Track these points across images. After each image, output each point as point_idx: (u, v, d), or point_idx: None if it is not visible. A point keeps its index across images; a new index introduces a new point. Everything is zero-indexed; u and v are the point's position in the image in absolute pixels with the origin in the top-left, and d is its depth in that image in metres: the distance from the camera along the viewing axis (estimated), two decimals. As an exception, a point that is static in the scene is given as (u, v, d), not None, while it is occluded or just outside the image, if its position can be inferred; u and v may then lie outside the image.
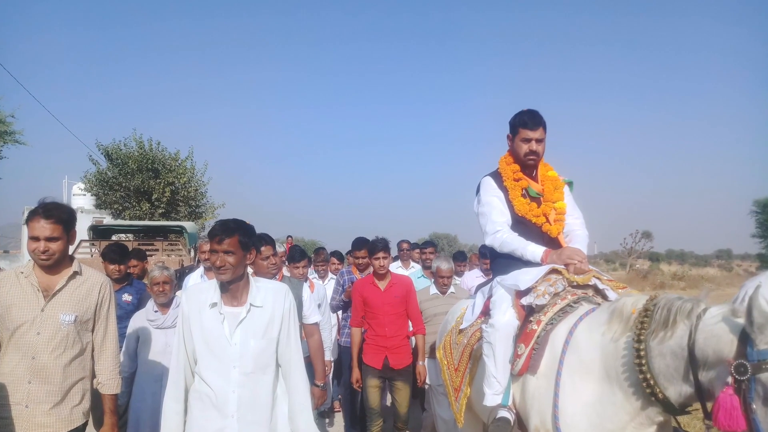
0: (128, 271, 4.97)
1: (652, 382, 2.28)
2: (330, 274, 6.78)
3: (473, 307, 3.53)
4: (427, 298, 5.15)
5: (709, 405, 2.14)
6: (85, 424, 2.92)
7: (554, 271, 2.96)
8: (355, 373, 4.88)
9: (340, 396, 6.26)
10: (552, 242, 3.23)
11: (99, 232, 11.80)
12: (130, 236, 13.71)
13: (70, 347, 2.80)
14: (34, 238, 2.75)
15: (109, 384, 2.97)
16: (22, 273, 2.82)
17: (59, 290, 2.81)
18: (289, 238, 15.95)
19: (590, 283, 2.96)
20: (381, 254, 4.77)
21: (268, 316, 2.72)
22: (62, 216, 2.77)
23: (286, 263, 5.11)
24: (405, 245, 7.31)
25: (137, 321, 4.20)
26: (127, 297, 4.71)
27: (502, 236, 3.20)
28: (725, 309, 2.15)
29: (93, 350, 2.95)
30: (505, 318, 2.94)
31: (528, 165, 3.34)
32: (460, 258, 7.07)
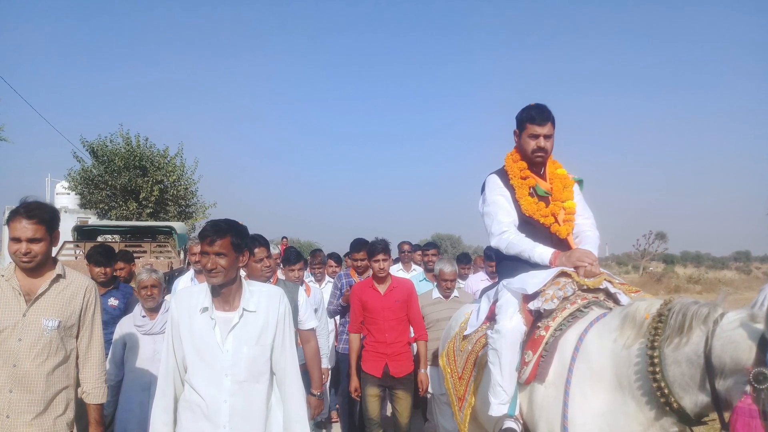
0: (114, 274, 4.97)
1: (666, 390, 2.29)
2: (327, 278, 6.79)
3: (478, 312, 3.53)
4: (430, 303, 5.16)
5: (726, 415, 2.15)
6: (69, 436, 2.91)
7: (563, 274, 2.96)
8: (354, 382, 4.88)
9: (337, 406, 6.27)
10: (561, 244, 3.23)
11: (84, 232, 11.84)
12: (117, 237, 13.74)
13: (53, 354, 2.80)
14: (15, 240, 2.74)
15: (95, 393, 2.97)
16: (3, 276, 2.81)
17: (42, 294, 2.81)
18: (284, 240, 15.99)
19: (601, 287, 2.96)
20: (381, 256, 4.77)
21: (262, 321, 2.72)
22: (45, 216, 2.77)
23: (281, 266, 5.12)
24: (406, 247, 7.33)
25: (124, 327, 4.20)
26: (113, 301, 4.71)
27: (509, 237, 3.20)
28: (743, 314, 2.16)
29: (77, 357, 2.95)
30: (512, 323, 2.94)
31: (536, 162, 3.34)
32: (464, 260, 7.08)
